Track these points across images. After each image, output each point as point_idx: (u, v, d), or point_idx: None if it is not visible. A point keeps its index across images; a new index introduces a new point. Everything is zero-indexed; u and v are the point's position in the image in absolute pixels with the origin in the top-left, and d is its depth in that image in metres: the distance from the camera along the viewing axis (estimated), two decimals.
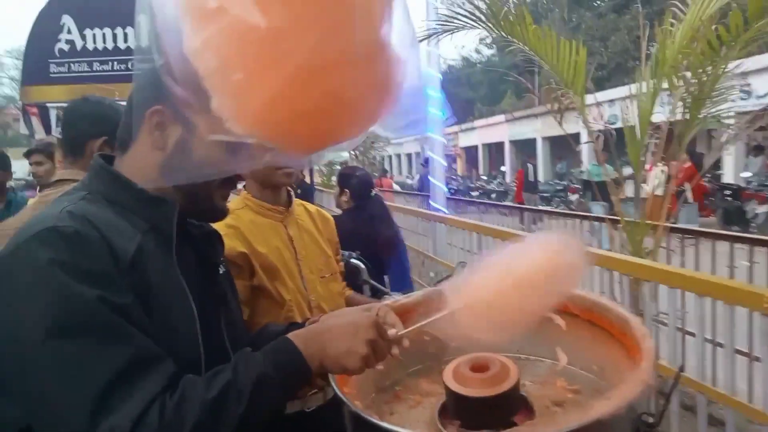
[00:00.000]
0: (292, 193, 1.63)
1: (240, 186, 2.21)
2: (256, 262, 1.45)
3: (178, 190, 0.94)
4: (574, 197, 14.82)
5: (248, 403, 0.81)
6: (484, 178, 26.03)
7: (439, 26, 3.47)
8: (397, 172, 38.22)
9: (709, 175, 12.72)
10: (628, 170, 4.84)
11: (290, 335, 0.93)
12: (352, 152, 12.41)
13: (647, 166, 4.56)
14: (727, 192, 11.25)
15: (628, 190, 4.24)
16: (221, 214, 1.03)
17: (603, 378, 1.17)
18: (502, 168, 27.68)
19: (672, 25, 2.64)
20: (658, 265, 1.93)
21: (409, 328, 1.05)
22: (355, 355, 0.93)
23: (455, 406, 1.07)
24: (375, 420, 0.90)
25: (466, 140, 32.61)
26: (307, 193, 5.62)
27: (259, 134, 0.81)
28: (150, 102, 0.89)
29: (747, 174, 12.14)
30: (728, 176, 13.67)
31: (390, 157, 38.92)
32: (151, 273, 0.86)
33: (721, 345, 1.99)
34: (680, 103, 2.70)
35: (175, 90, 0.79)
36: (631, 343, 1.07)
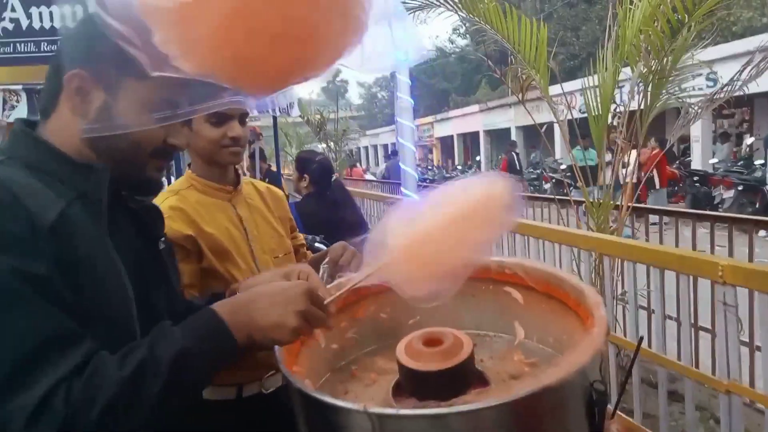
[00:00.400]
0: (240, 171, 1.57)
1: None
2: (204, 244, 1.39)
3: (107, 158, 0.89)
4: (547, 185, 14.97)
5: (167, 379, 0.76)
6: (459, 167, 26.14)
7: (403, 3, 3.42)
8: (374, 163, 38.13)
9: (677, 162, 12.96)
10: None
11: (215, 305, 0.88)
12: (324, 145, 12.30)
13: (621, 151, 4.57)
14: (696, 178, 11.48)
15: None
16: (156, 186, 0.98)
17: (560, 351, 1.15)
18: (477, 158, 27.82)
19: (632, 3, 2.64)
20: (613, 239, 1.93)
21: (342, 291, 1.00)
22: (285, 327, 0.88)
23: (409, 382, 1.04)
24: (319, 395, 0.87)
25: (441, 130, 32.67)
26: (274, 181, 5.54)
27: (211, 70, 0.74)
28: (71, 65, 0.83)
29: (714, 161, 12.40)
30: (696, 163, 13.95)
31: (367, 148, 38.85)
32: (79, 243, 0.80)
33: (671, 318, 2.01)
34: (641, 85, 2.71)
35: (112, 26, 0.72)
36: (586, 314, 1.05)
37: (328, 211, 3.14)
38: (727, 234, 3.15)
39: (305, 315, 0.90)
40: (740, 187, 9.70)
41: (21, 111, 4.10)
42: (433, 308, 1.30)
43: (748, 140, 13.25)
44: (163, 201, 1.42)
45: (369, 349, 1.31)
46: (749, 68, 2.64)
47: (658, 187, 9.66)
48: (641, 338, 1.20)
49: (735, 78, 2.71)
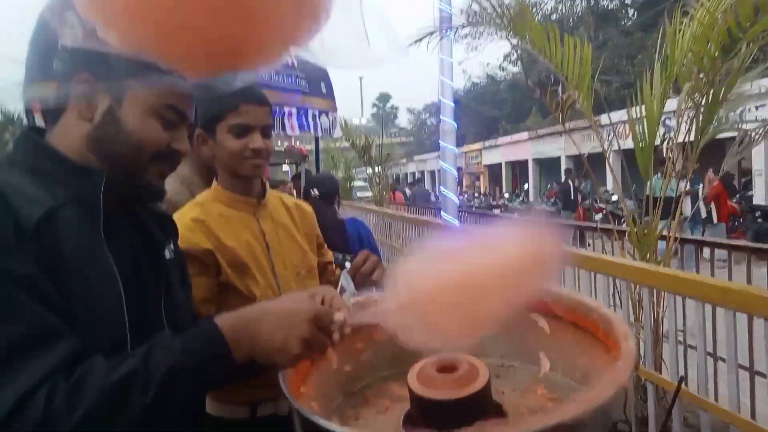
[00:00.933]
0: (267, 184, 1.56)
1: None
2: (222, 259, 1.38)
3: (107, 162, 0.89)
4: (598, 217, 14.51)
5: (156, 392, 0.74)
6: (506, 195, 25.77)
7: (444, 27, 3.40)
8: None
9: (738, 196, 12.34)
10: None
11: (217, 319, 0.86)
12: (370, 170, 12.30)
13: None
14: (758, 213, 10.88)
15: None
16: (157, 193, 0.97)
17: (585, 384, 1.07)
18: (525, 186, 27.39)
19: (682, 23, 2.52)
20: (653, 267, 1.80)
21: (352, 323, 0.96)
22: (286, 353, 0.86)
23: (420, 410, 0.99)
24: (321, 422, 0.82)
25: (489, 158, 32.43)
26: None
27: (138, 44, 0.71)
28: (77, 70, 0.85)
29: None
30: (759, 198, 13.26)
31: (414, 173, 38.95)
32: (65, 243, 0.79)
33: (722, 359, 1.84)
34: (691, 113, 2.57)
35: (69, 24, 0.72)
36: (615, 345, 0.97)
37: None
38: None
39: (309, 343, 0.87)
40: None
41: None
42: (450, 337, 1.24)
43: None
44: (187, 212, 1.42)
45: (385, 373, 1.25)
46: None
47: (716, 221, 9.20)
48: (682, 378, 1.11)
49: None
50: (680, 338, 1.89)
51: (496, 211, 18.97)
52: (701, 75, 2.37)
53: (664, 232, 2.81)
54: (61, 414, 0.68)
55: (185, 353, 0.79)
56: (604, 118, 3.47)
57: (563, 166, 24.08)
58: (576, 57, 2.67)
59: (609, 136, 3.24)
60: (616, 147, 3.21)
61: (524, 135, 27.57)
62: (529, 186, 26.93)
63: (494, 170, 33.06)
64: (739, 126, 2.81)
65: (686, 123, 2.65)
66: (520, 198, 22.90)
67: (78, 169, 0.87)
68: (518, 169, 30.51)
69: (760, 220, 10.67)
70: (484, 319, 0.86)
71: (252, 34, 0.73)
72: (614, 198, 14.19)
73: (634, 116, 2.80)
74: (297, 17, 0.74)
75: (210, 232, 1.39)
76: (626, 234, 2.85)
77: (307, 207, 1.68)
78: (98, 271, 0.83)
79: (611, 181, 15.34)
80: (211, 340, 0.83)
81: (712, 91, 2.45)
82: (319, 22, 0.77)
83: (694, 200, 8.42)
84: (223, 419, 1.39)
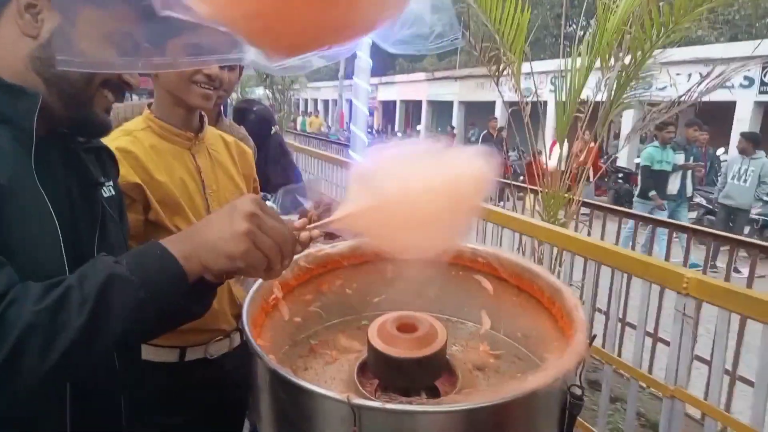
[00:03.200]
0: (206, 118, 1.44)
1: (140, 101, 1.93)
2: (152, 195, 1.27)
3: (54, 87, 0.79)
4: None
5: (94, 307, 0.66)
6: (399, 135, 26.11)
7: None
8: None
9: (606, 158, 13.56)
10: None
11: (160, 240, 0.78)
12: (269, 92, 11.80)
13: (551, 142, 4.63)
14: (620, 175, 12.06)
15: None
16: (101, 127, 0.87)
17: (526, 345, 1.16)
18: (418, 127, 27.89)
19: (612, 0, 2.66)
20: (579, 236, 1.97)
21: (321, 222, 0.91)
22: (236, 235, 0.74)
23: (377, 366, 1.01)
24: (293, 378, 0.82)
25: (385, 94, 32.37)
26: None
27: (229, 19, 0.64)
28: None
29: (638, 160, 13.06)
30: (623, 161, 14.65)
31: (306, 100, 37.90)
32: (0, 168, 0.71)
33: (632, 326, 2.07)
34: (609, 82, 2.76)
35: None
36: (560, 313, 1.05)
37: (258, 169, 2.98)
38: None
39: (255, 220, 0.76)
40: None
41: None
42: (398, 288, 1.27)
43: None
44: (112, 141, 1.27)
45: (330, 323, 1.26)
46: (708, 80, 2.75)
47: (590, 180, 10.07)
48: (594, 336, 1.23)
49: (695, 86, 2.82)
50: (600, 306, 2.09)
51: None
52: (627, 50, 2.54)
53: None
54: None
55: (123, 268, 0.71)
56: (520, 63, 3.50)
57: (455, 111, 24.80)
58: (514, 23, 2.71)
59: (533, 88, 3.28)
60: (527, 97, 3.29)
61: (421, 75, 27.78)
62: (422, 127, 27.45)
63: (388, 107, 33.14)
64: (643, 101, 3.07)
65: (603, 90, 2.84)
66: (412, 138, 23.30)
67: (10, 89, 0.76)
68: (412, 108, 30.87)
69: (620, 181, 11.86)
70: (440, 224, 0.86)
71: (350, 16, 0.67)
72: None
73: (553, 78, 2.92)
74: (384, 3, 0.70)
75: (138, 164, 1.26)
76: (536, 194, 3.04)
77: (247, 147, 1.58)
78: (31, 201, 0.74)
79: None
80: (151, 253, 0.74)
81: (632, 64, 2.64)
82: (404, 5, 0.73)
83: None
84: (150, 362, 1.32)
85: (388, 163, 0.87)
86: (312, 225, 0.91)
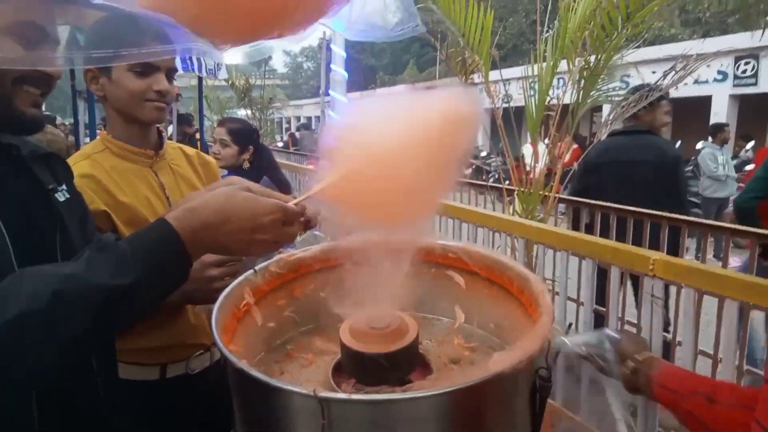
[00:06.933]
0: (165, 133, 1.44)
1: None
2: (118, 218, 1.26)
3: None
4: (467, 171, 15.26)
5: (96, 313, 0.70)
6: None
7: None
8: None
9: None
10: None
11: (168, 218, 0.79)
12: (249, 112, 11.84)
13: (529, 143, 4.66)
14: None
15: None
16: (31, 123, 0.86)
17: (499, 335, 1.17)
18: None
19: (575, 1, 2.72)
20: (547, 227, 1.99)
21: (299, 197, 0.91)
22: (253, 245, 0.83)
23: (351, 364, 1.02)
24: (260, 375, 0.82)
25: None
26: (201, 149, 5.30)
27: (173, 7, 0.64)
28: None
29: None
30: None
31: (290, 119, 37.95)
32: None
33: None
34: (573, 81, 2.81)
35: None
36: (529, 301, 1.07)
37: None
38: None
39: (275, 230, 0.84)
40: None
41: None
42: (373, 289, 1.28)
43: None
44: (72, 166, 1.27)
45: (305, 328, 1.27)
46: (671, 74, 2.81)
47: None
48: (570, 324, 1.25)
49: (659, 81, 2.88)
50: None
51: None
52: (590, 49, 2.60)
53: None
54: None
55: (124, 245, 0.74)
56: (494, 75, 3.55)
57: None
58: (478, 26, 2.76)
59: (499, 94, 3.34)
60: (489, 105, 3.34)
61: (402, 88, 27.97)
62: None
63: None
64: (611, 98, 3.13)
65: (573, 90, 2.89)
66: None
67: None
68: None
69: None
70: (416, 189, 0.85)
71: (290, 4, 0.67)
72: (483, 153, 15.06)
73: (526, 82, 2.98)
74: None
75: (101, 187, 1.25)
76: (515, 193, 3.08)
77: (210, 158, 1.58)
78: None
79: (480, 139, 16.20)
80: (167, 247, 0.78)
81: (596, 64, 2.69)
82: None
83: None
84: (129, 381, 1.31)
85: (359, 124, 0.85)
86: (293, 202, 0.91)
